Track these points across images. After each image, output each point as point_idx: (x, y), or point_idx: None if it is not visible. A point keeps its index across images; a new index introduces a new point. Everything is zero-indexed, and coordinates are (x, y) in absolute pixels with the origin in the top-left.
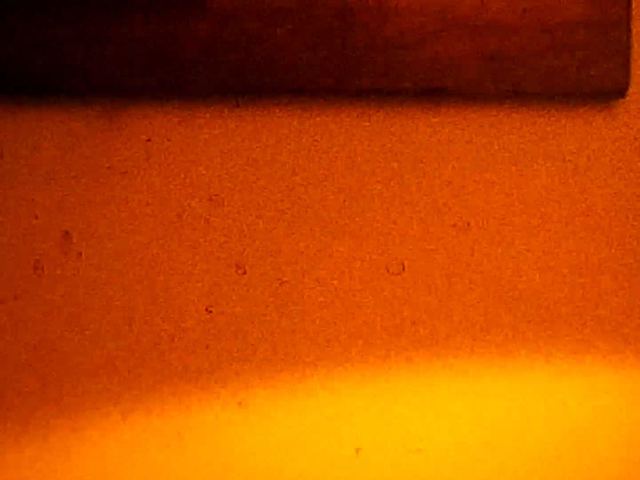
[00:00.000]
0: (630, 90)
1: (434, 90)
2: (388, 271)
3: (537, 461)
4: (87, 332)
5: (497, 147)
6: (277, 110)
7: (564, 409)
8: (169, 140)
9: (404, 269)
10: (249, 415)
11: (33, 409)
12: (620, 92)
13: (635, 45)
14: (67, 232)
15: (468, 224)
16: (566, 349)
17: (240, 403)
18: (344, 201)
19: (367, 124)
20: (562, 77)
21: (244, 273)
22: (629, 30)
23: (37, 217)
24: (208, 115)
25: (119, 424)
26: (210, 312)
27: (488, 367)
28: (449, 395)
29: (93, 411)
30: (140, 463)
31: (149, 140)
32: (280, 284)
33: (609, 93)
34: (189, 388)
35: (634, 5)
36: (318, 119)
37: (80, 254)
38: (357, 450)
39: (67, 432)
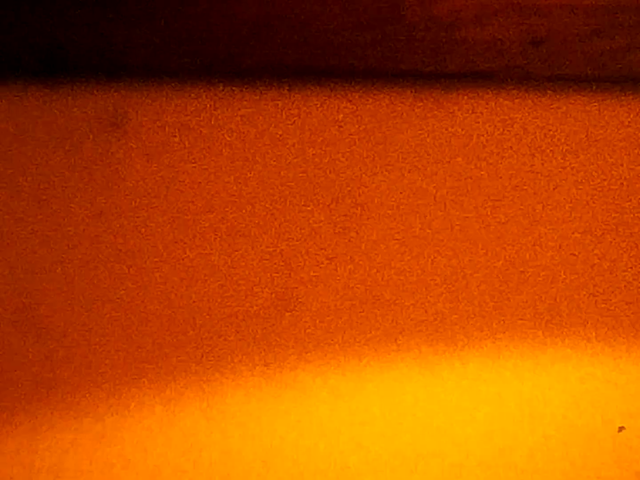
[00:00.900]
0: None
1: (479, 73)
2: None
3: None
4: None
5: (542, 130)
6: (325, 91)
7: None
8: (213, 118)
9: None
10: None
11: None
12: None
13: None
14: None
15: (517, 206)
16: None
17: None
18: (385, 182)
19: (413, 105)
20: (606, 61)
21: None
22: None
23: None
24: (255, 95)
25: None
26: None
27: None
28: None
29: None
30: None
31: (188, 119)
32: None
33: None
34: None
35: None
36: (365, 100)
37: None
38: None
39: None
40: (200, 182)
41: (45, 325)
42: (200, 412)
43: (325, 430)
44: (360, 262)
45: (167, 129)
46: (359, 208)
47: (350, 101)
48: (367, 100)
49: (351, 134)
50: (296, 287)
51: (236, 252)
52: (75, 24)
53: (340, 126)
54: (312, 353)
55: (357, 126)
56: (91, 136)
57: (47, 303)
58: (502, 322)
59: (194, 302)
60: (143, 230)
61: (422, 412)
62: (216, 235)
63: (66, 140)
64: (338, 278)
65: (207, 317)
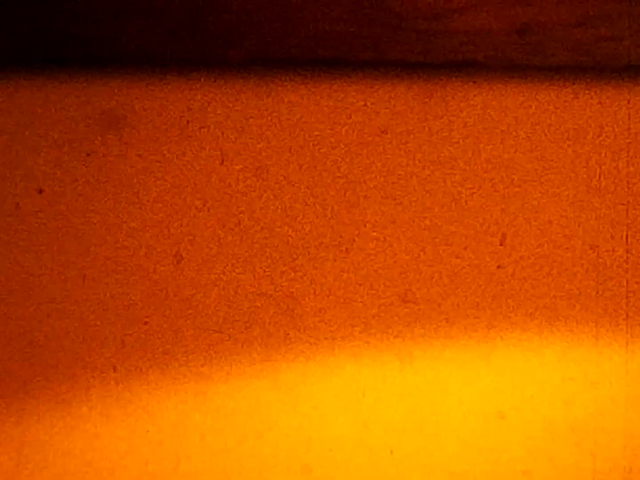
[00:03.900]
0: None
1: (465, 63)
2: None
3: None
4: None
5: (528, 119)
6: (312, 82)
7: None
8: (200, 111)
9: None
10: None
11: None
12: None
13: None
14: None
15: (499, 197)
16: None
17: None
18: (374, 173)
19: (399, 95)
20: (593, 49)
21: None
22: None
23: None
24: (241, 86)
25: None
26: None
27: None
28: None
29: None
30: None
31: (177, 110)
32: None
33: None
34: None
35: None
36: (351, 90)
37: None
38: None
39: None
40: (192, 175)
41: (35, 314)
42: (195, 411)
43: (325, 430)
44: (360, 258)
45: (158, 121)
46: (345, 201)
47: (335, 91)
48: (353, 90)
49: (338, 124)
50: (296, 284)
51: (235, 247)
52: (70, 15)
53: (328, 116)
54: (312, 353)
55: (343, 116)
56: (89, 129)
57: (43, 295)
58: (502, 316)
59: (193, 299)
60: (142, 225)
61: (422, 411)
62: (215, 228)
63: (64, 134)
64: (338, 275)
65: (206, 315)
